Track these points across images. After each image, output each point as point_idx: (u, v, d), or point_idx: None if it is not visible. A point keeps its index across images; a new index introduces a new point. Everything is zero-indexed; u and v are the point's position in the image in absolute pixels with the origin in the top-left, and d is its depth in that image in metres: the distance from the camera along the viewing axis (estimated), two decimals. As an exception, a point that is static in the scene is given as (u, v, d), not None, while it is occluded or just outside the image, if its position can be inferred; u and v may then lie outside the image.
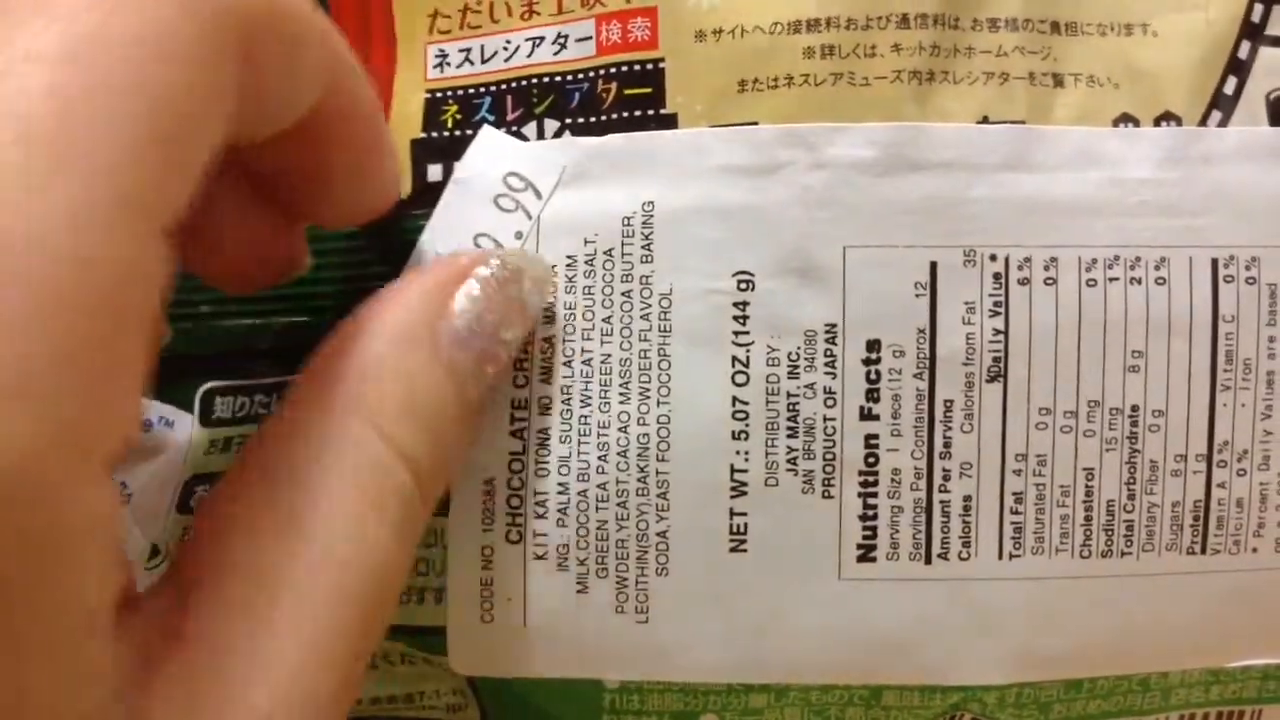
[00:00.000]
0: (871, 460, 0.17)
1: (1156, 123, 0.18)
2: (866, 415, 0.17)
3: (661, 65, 0.18)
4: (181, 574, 0.13)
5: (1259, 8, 0.18)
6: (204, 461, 0.19)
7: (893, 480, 0.17)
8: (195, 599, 0.12)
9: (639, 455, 0.17)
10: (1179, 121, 0.18)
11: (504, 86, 0.18)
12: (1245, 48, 0.18)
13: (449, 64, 0.18)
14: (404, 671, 0.19)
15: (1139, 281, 0.17)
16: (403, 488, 0.14)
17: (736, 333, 0.17)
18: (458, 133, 0.18)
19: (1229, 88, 0.18)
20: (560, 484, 0.17)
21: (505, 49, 0.18)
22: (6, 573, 0.09)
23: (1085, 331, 0.17)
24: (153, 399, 0.19)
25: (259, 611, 0.12)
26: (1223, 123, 0.18)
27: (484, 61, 0.18)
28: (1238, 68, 0.18)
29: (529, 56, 0.18)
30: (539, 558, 0.17)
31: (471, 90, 0.18)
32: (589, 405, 0.17)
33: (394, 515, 0.14)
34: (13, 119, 0.10)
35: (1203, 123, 0.18)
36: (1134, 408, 0.17)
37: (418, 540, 0.15)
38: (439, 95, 0.18)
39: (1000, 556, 0.17)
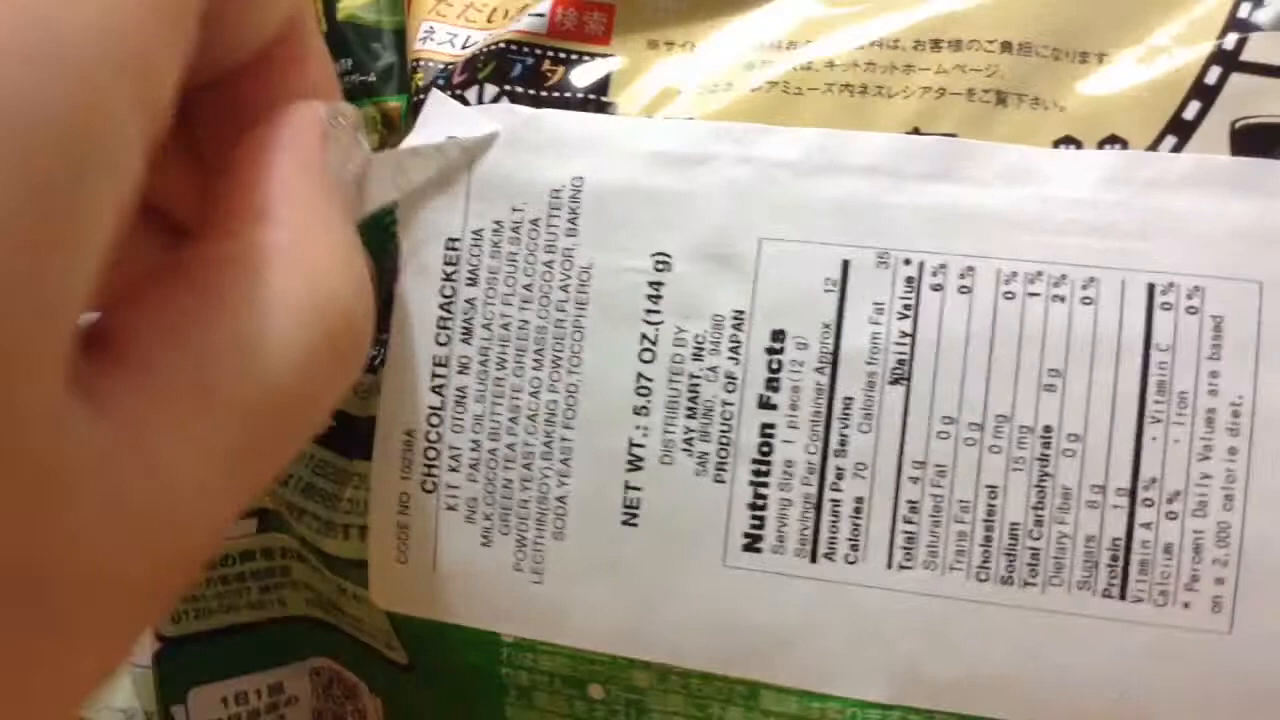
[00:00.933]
0: (766, 450, 0.17)
1: (1100, 146, 0.17)
2: (764, 404, 0.17)
3: (610, 60, 0.19)
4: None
5: (1233, 35, 0.17)
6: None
7: (785, 472, 0.17)
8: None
9: (546, 420, 0.18)
10: (1125, 145, 0.17)
11: (464, 61, 0.20)
12: (1214, 73, 0.17)
13: (433, 39, 0.20)
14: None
15: (1062, 299, 0.17)
16: None
17: (648, 311, 0.18)
18: (420, 97, 0.20)
19: (1190, 113, 0.17)
20: (473, 441, 0.18)
21: (485, 39, 0.20)
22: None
23: (999, 344, 0.17)
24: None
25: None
26: (1176, 148, 0.17)
27: (463, 48, 0.20)
28: (1203, 93, 0.17)
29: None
30: (450, 508, 0.18)
31: (436, 63, 0.20)
32: (504, 368, 0.18)
33: None
34: None
35: (1153, 148, 0.17)
36: (1047, 428, 0.16)
37: None
38: (414, 64, 0.20)
39: (889, 565, 0.17)
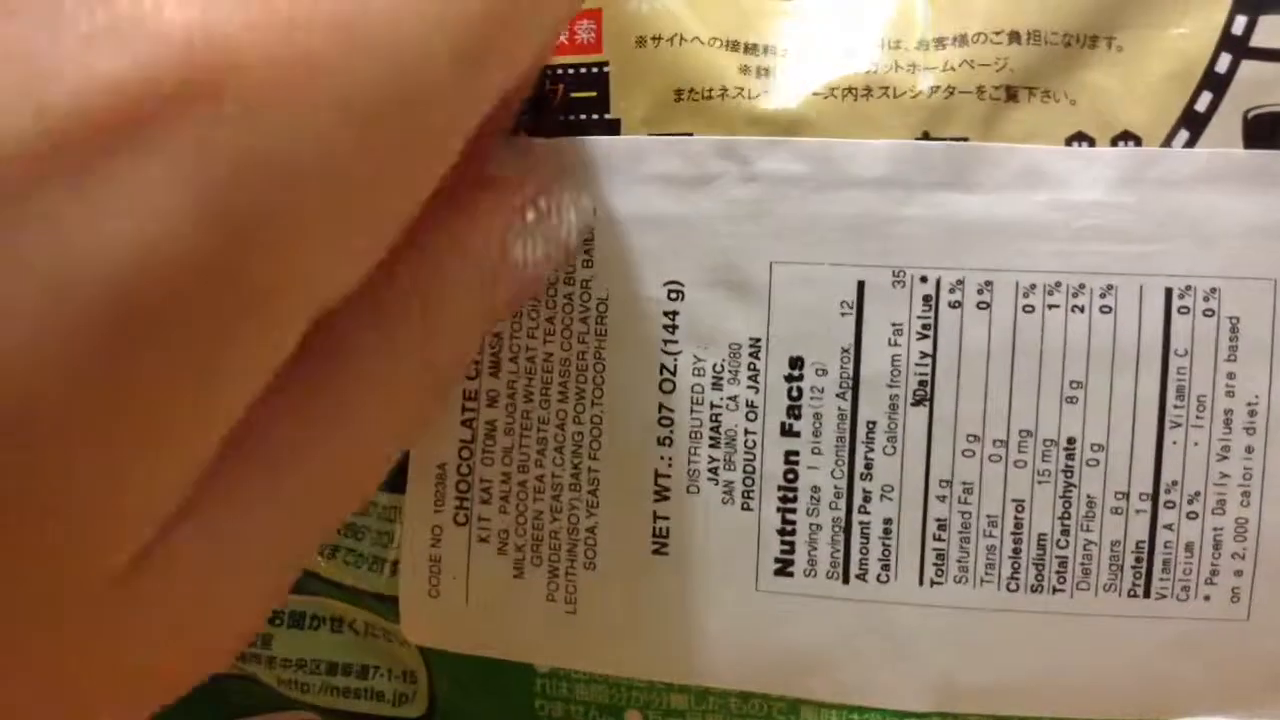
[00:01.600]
0: (791, 476, 0.17)
1: (1114, 142, 0.17)
2: (787, 431, 0.17)
3: (606, 70, 0.18)
4: None
5: (1241, 18, 0.17)
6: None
7: (812, 498, 0.17)
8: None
9: (573, 452, 0.18)
10: (1138, 141, 0.17)
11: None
12: (1225, 61, 0.17)
13: None
14: (364, 642, 0.20)
15: (1081, 309, 0.17)
16: None
17: (666, 341, 0.18)
18: None
19: (1201, 104, 0.17)
20: (504, 473, 0.18)
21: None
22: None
23: (1020, 359, 0.17)
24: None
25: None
26: (1190, 143, 0.17)
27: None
28: (1214, 83, 0.17)
29: None
30: (482, 540, 0.19)
31: None
32: (531, 401, 0.18)
33: None
34: None
35: (1167, 143, 0.17)
36: (1070, 440, 0.17)
37: None
38: None
39: (921, 582, 0.17)
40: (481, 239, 0.15)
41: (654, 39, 0.18)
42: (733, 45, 0.18)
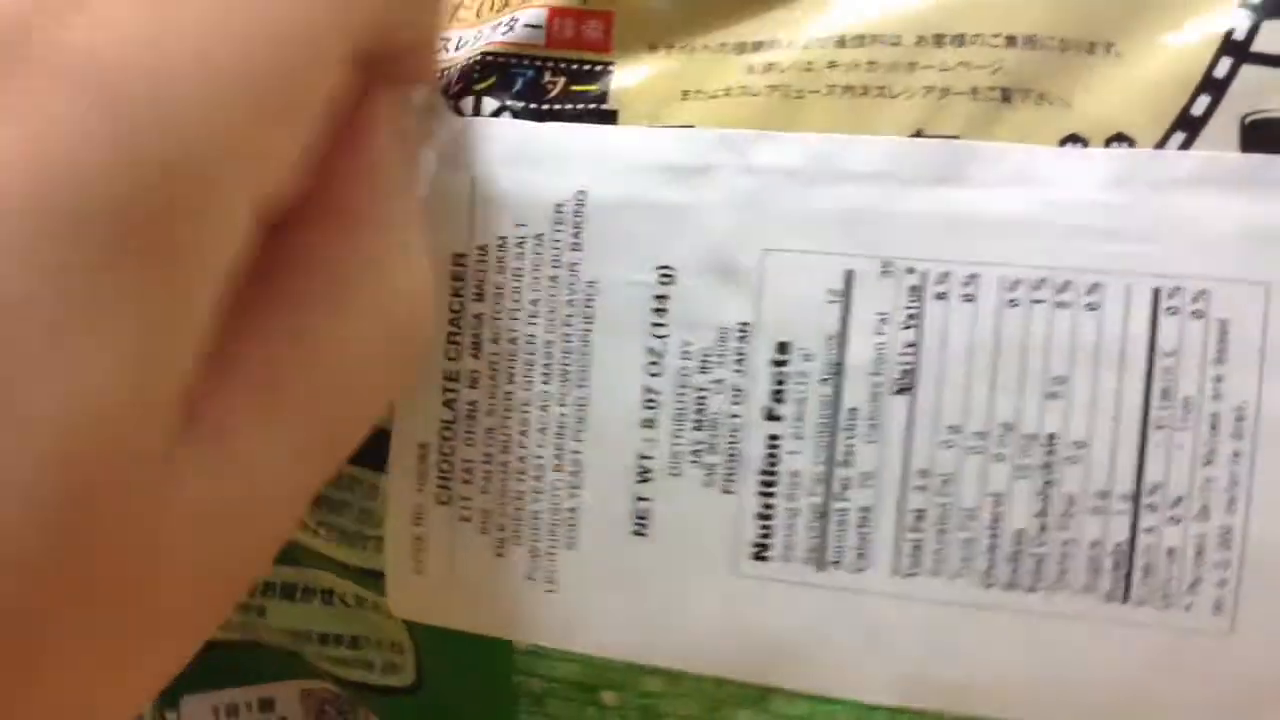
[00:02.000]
0: (772, 461, 0.17)
1: (1107, 144, 0.17)
2: (770, 416, 0.17)
3: (611, 68, 0.19)
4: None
5: (1244, 23, 0.17)
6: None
7: (792, 483, 0.17)
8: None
9: (556, 434, 0.18)
10: (1132, 143, 0.17)
11: (460, 69, 0.19)
12: (1224, 65, 0.17)
13: None
14: (354, 613, 0.21)
15: (1066, 306, 0.17)
16: None
17: (654, 324, 0.18)
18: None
19: (1198, 108, 0.17)
20: (485, 454, 0.19)
21: (475, 39, 0.19)
22: None
23: (1003, 352, 0.17)
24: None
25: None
26: (1185, 145, 0.17)
27: (457, 49, 0.20)
28: (1213, 86, 0.17)
29: (483, 41, 0.19)
30: (464, 519, 0.19)
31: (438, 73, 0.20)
32: (513, 382, 0.18)
33: None
34: None
35: (1161, 145, 0.17)
36: (1051, 436, 0.17)
37: None
38: None
39: (896, 572, 0.17)
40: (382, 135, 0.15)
41: (666, 46, 0.19)
42: (739, 47, 0.18)
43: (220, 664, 0.23)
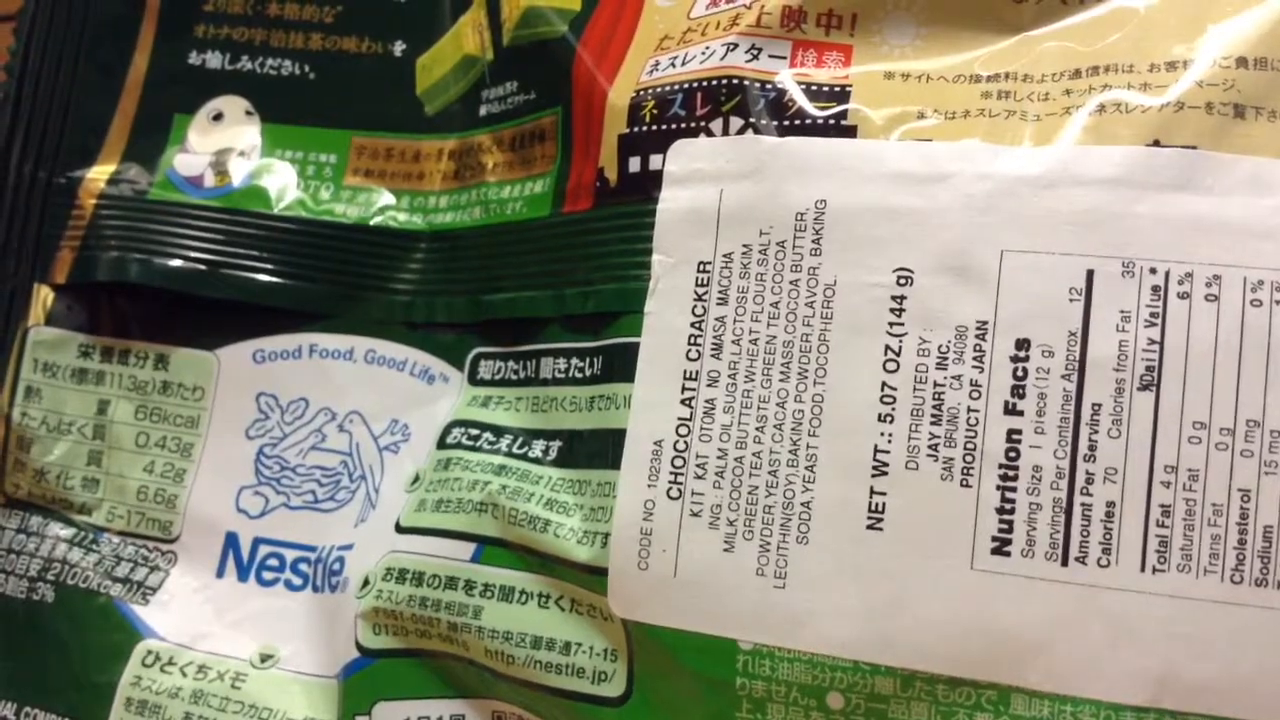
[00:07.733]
0: (1012, 455, 0.18)
1: (1344, 155, 0.17)
2: (1010, 410, 0.18)
3: (849, 88, 0.20)
4: None
5: None
6: (465, 411, 0.23)
7: (1033, 477, 0.18)
8: None
9: (792, 429, 0.19)
10: (1368, 154, 0.17)
11: (696, 84, 0.21)
12: None
13: (658, 69, 0.21)
14: (570, 619, 0.21)
15: (1312, 305, 0.17)
16: None
17: (892, 324, 0.18)
18: (654, 127, 0.21)
19: None
20: (720, 450, 0.19)
21: (704, 54, 0.21)
22: None
23: (1247, 351, 0.17)
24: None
25: None
26: None
27: (684, 64, 0.21)
28: None
29: (722, 59, 0.21)
30: (694, 515, 0.19)
31: (668, 89, 0.21)
32: (752, 381, 0.19)
33: None
34: None
35: (1398, 156, 0.17)
36: (1300, 432, 0.17)
37: None
38: (642, 94, 0.21)
39: (1143, 569, 0.17)
40: None
41: (903, 75, 0.20)
42: (974, 79, 0.20)
43: (423, 674, 0.23)
